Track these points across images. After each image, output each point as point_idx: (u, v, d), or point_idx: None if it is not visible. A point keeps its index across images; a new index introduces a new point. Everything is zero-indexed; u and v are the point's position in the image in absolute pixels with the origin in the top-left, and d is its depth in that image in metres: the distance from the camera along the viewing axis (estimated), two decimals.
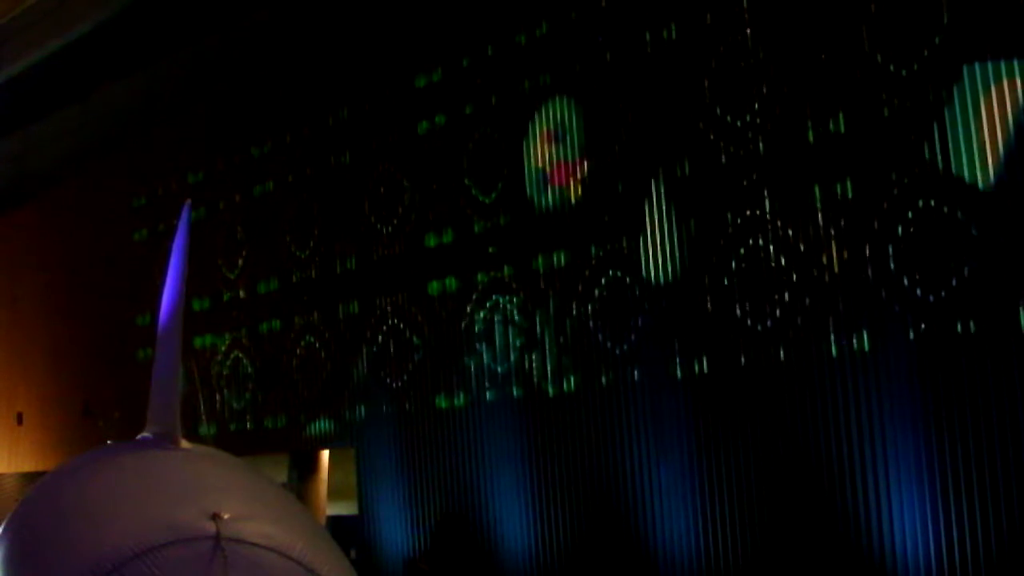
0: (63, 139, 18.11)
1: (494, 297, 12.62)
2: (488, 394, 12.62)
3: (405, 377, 13.65)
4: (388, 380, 13.85)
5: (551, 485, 11.94)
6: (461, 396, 12.93)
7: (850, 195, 9.60)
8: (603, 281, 11.55)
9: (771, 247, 10.18)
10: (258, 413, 15.75)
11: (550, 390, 11.98)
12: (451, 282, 13.06)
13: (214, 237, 16.10)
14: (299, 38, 15.11)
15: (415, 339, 13.52)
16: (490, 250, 12.64)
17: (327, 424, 14.71)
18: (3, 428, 21.20)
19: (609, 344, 11.46)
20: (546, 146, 12.15)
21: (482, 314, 12.71)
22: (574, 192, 11.89)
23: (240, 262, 16.12)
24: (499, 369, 12.53)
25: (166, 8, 14.23)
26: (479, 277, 12.81)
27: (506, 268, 12.51)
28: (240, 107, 16.35)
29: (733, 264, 10.43)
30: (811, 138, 9.91)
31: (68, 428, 19.33)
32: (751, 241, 10.31)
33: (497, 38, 12.78)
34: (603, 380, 11.46)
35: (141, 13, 14.19)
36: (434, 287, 13.34)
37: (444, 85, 13.38)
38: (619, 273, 11.42)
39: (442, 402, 13.13)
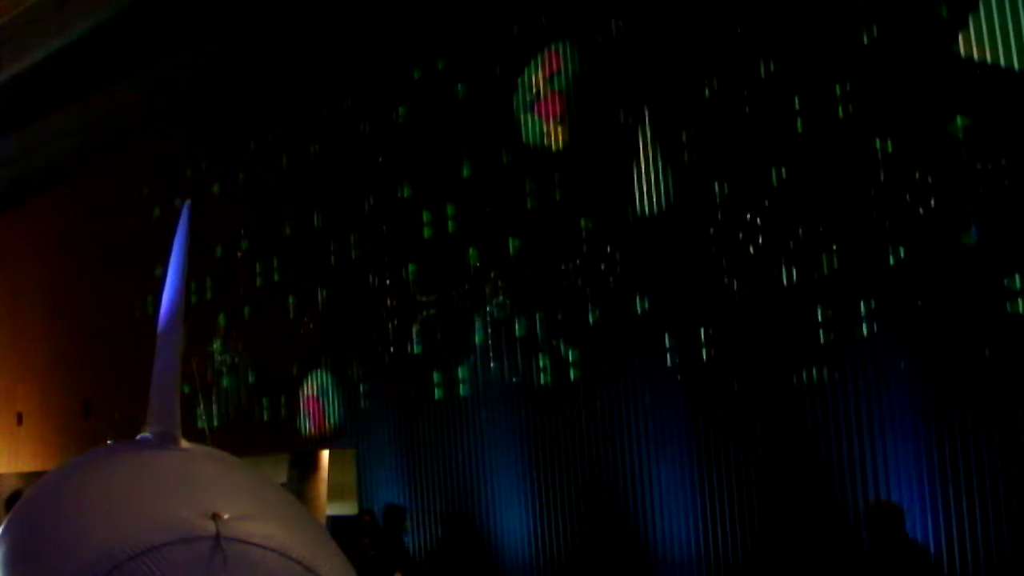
0: (63, 139, 18.12)
1: (496, 298, 12.62)
2: (489, 390, 12.62)
3: (405, 375, 13.65)
4: (388, 378, 13.85)
5: (552, 478, 11.94)
6: (462, 393, 12.93)
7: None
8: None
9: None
10: (255, 409, 15.77)
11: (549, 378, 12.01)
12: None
13: (213, 226, 16.10)
14: (297, 33, 15.13)
15: (415, 335, 13.54)
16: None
17: (325, 422, 14.72)
18: (3, 428, 21.21)
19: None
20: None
21: (480, 310, 12.71)
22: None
23: (239, 254, 16.14)
24: (499, 365, 12.54)
25: (166, 8, 14.24)
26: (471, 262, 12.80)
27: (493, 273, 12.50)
28: (240, 104, 16.36)
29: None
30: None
31: (68, 428, 19.33)
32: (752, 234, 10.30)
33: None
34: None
35: (141, 13, 14.21)
36: (427, 276, 13.35)
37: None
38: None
39: (441, 399, 13.13)
